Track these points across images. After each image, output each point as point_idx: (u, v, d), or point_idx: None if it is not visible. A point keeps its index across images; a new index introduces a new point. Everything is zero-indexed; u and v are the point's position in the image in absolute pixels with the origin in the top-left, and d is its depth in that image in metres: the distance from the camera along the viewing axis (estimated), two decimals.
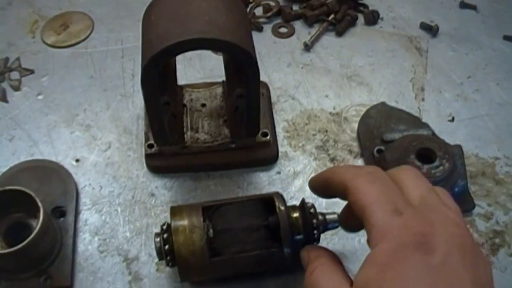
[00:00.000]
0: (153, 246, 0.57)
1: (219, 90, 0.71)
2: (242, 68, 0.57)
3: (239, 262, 0.56)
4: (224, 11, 0.56)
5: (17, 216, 0.61)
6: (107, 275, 0.60)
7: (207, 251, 0.54)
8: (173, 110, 0.62)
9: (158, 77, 0.57)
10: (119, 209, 0.65)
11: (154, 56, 0.54)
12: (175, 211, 0.57)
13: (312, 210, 0.56)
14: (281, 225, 0.55)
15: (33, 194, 0.58)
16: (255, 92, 0.60)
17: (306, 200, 0.57)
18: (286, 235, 0.55)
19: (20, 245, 0.54)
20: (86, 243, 0.63)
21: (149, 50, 0.54)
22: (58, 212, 0.64)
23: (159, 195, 0.66)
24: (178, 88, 0.70)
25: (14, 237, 0.57)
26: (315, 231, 0.56)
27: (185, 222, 0.55)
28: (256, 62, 0.56)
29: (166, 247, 0.55)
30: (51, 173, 0.67)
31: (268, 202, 0.58)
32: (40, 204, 0.57)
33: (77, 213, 0.65)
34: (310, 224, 0.56)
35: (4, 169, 0.68)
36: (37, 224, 0.56)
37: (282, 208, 0.56)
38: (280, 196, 0.57)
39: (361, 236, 0.62)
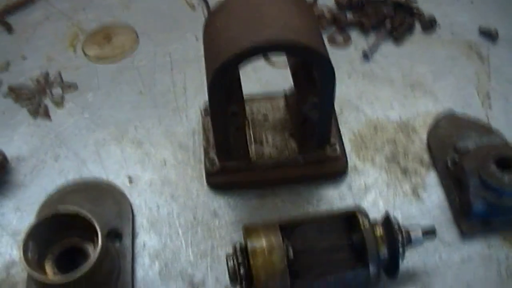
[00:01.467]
0: (222, 269, 0.53)
1: (281, 102, 0.67)
2: (318, 75, 0.54)
3: (321, 285, 0.51)
4: (297, 15, 0.53)
5: (71, 240, 0.56)
6: None
7: (288, 274, 0.50)
8: (240, 121, 0.58)
9: (227, 85, 0.53)
10: (180, 231, 0.61)
11: (225, 62, 0.50)
12: (250, 231, 0.52)
13: (396, 226, 0.53)
14: (367, 244, 0.51)
15: (91, 218, 0.53)
16: (330, 100, 0.57)
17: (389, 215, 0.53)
18: (373, 254, 0.51)
19: (78, 274, 0.50)
20: (146, 268, 0.58)
21: (219, 56, 0.51)
22: (114, 235, 0.60)
23: (223, 215, 0.62)
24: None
25: (68, 262, 0.53)
26: (400, 249, 0.52)
27: (262, 243, 0.51)
28: (333, 68, 0.53)
29: (242, 270, 0.50)
30: (103, 193, 0.63)
31: (349, 219, 0.54)
32: (98, 229, 0.53)
33: (134, 236, 0.60)
34: (395, 241, 0.52)
35: (51, 190, 0.63)
36: (94, 250, 0.52)
37: (367, 225, 0.52)
38: (363, 212, 0.54)
39: (442, 252, 0.58)
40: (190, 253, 0.59)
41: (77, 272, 0.50)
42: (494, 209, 0.59)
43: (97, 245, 0.52)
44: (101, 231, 0.53)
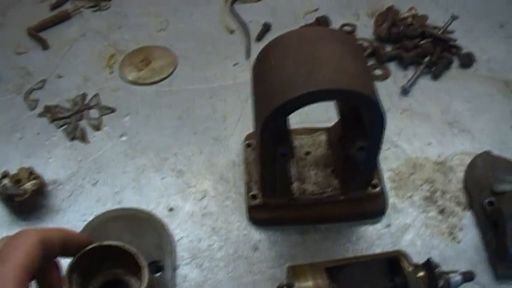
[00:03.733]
0: None
1: (323, 137, 0.67)
2: (368, 120, 0.54)
3: None
4: (350, 57, 0.52)
5: (113, 271, 0.56)
6: None
7: None
8: (288, 162, 0.58)
9: (277, 129, 0.53)
10: (221, 264, 0.61)
11: (280, 106, 0.50)
12: (297, 272, 0.53)
13: (437, 270, 0.53)
14: (410, 287, 0.51)
15: (136, 253, 0.53)
16: (378, 145, 0.57)
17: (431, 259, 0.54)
18: None
19: None
20: None
21: (273, 98, 0.50)
22: (155, 267, 0.59)
23: (264, 249, 0.62)
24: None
25: None
26: None
27: (309, 284, 0.51)
28: (384, 115, 0.53)
29: None
30: (143, 223, 0.63)
31: (392, 261, 0.54)
32: (143, 264, 0.52)
33: (174, 268, 0.60)
34: (435, 285, 0.53)
35: (89, 217, 0.63)
36: (138, 284, 0.51)
37: (410, 269, 0.53)
38: (404, 256, 0.54)
39: None
40: (231, 287, 0.59)
41: None
42: None
43: (142, 279, 0.51)
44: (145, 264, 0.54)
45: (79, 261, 0.53)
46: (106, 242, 0.54)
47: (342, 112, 0.60)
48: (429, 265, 0.54)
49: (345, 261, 0.55)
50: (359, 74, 0.52)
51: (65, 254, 0.50)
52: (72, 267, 0.52)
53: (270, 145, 0.55)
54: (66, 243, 0.49)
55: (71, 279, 0.52)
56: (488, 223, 0.63)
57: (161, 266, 0.60)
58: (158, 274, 0.59)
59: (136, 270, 0.53)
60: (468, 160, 0.69)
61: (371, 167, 0.60)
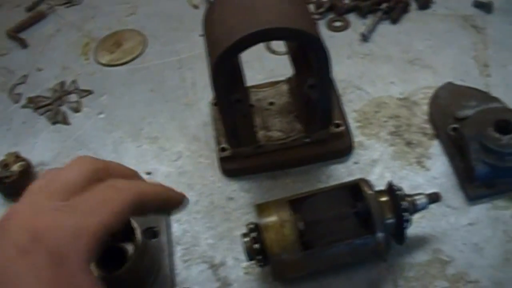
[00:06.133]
0: (239, 249, 0.55)
1: (285, 87, 0.70)
2: (313, 57, 0.56)
3: (332, 253, 0.54)
4: (288, 2, 0.56)
5: (110, 240, 0.59)
6: (195, 283, 0.58)
7: (300, 244, 0.52)
8: (245, 108, 0.61)
9: (228, 73, 0.56)
10: (198, 217, 0.64)
11: (225, 51, 0.52)
12: (262, 208, 0.55)
13: (399, 192, 0.55)
14: (371, 209, 0.53)
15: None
16: (327, 80, 0.59)
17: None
18: (378, 218, 0.53)
19: (119, 271, 0.52)
20: None
21: (218, 46, 0.53)
22: (150, 233, 0.61)
23: (238, 198, 0.65)
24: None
25: (109, 263, 0.53)
26: (406, 213, 0.54)
27: (274, 218, 0.53)
28: (326, 49, 0.55)
29: (256, 245, 0.53)
30: None
31: (355, 190, 0.56)
32: (135, 226, 0.55)
33: (169, 231, 0.63)
34: (400, 207, 0.54)
35: None
36: (134, 249, 0.54)
37: (370, 192, 0.54)
38: (365, 181, 0.56)
39: (450, 216, 0.60)
40: (209, 237, 0.62)
41: (120, 269, 0.52)
42: (496, 171, 0.60)
43: (136, 241, 0.54)
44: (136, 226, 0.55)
45: None
46: None
47: (293, 55, 0.63)
48: (390, 188, 0.56)
49: (308, 193, 0.57)
50: (298, 15, 0.55)
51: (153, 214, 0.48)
52: None
53: (224, 93, 0.58)
54: (159, 206, 0.47)
55: None
56: (455, 149, 0.65)
57: (156, 231, 0.62)
58: (155, 240, 0.61)
59: (130, 236, 0.55)
60: (431, 93, 0.71)
61: (327, 105, 0.62)
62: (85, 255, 0.38)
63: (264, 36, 0.53)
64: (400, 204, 0.54)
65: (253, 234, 0.54)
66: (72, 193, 0.41)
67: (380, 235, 0.53)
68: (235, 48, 0.53)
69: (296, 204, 0.55)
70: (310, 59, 0.58)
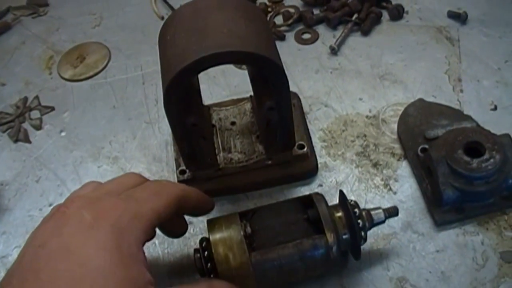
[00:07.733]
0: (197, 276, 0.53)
1: (248, 105, 0.68)
2: (270, 79, 0.54)
3: (282, 256, 0.51)
4: (243, 21, 0.53)
5: None
6: None
7: (246, 245, 0.50)
8: (202, 131, 0.59)
9: (181, 98, 0.54)
10: (156, 242, 0.62)
11: (175, 77, 0.50)
12: (213, 224, 0.53)
13: (356, 210, 0.53)
14: (320, 213, 0.52)
15: None
16: (286, 102, 0.57)
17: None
18: (327, 220, 0.51)
19: None
20: None
21: (169, 71, 0.51)
22: None
23: (197, 223, 0.62)
24: (205, 108, 0.67)
25: None
26: (362, 231, 0.52)
27: (223, 233, 0.52)
28: (284, 71, 0.53)
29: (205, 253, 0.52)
30: None
31: (307, 203, 0.54)
32: None
33: None
34: (356, 222, 0.52)
35: (34, 212, 0.65)
36: None
37: (319, 196, 0.53)
38: (318, 194, 0.54)
39: (416, 243, 0.58)
40: (167, 263, 0.60)
41: None
42: (465, 195, 0.58)
43: None
44: None
45: None
46: None
47: (249, 74, 0.60)
48: (343, 202, 0.53)
49: (259, 207, 0.56)
50: (253, 36, 0.52)
51: (188, 214, 0.55)
52: None
53: (179, 117, 0.55)
54: (196, 206, 0.54)
55: None
56: (423, 171, 0.62)
57: None
58: None
59: None
60: (401, 110, 0.68)
61: (287, 127, 0.60)
62: (142, 235, 0.44)
63: (216, 60, 0.50)
64: (355, 220, 0.52)
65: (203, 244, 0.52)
66: (125, 190, 0.47)
67: (329, 235, 0.51)
68: (184, 74, 0.50)
69: (247, 215, 0.54)
70: (269, 82, 0.55)
